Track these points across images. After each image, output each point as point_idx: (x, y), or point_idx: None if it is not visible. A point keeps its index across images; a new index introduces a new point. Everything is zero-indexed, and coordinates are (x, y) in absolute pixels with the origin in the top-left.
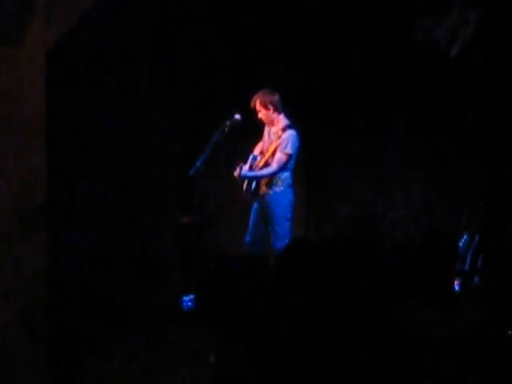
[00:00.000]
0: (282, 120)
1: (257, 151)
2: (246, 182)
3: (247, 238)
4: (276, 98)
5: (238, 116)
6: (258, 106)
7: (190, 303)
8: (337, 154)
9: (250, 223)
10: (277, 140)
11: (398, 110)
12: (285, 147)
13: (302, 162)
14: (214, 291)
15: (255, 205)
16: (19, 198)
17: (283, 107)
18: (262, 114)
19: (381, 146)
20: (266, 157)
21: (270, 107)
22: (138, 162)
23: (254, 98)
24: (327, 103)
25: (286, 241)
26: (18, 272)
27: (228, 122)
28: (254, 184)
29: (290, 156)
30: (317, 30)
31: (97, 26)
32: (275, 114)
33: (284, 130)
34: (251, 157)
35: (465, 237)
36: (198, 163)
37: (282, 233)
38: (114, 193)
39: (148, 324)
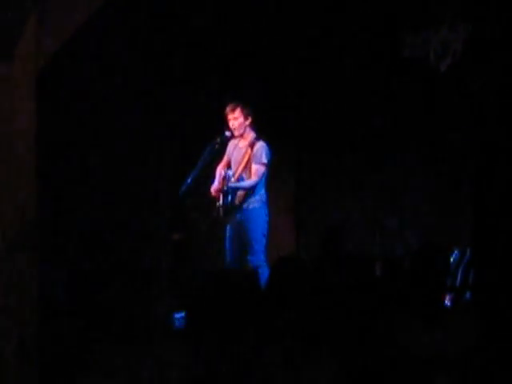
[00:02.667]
0: (250, 133)
1: (221, 167)
2: (221, 197)
3: (227, 257)
4: (252, 110)
5: (228, 133)
6: (238, 113)
7: (180, 320)
8: (327, 167)
9: (227, 242)
10: (248, 152)
11: (389, 124)
12: (260, 158)
13: (291, 175)
14: (204, 307)
15: (229, 225)
16: (9, 219)
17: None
18: (238, 122)
19: (371, 161)
20: (239, 170)
21: (249, 118)
22: (128, 179)
23: (233, 105)
24: (315, 119)
25: (262, 256)
26: (9, 288)
27: (218, 140)
28: (229, 198)
29: (266, 166)
30: (305, 42)
31: (91, 40)
32: (248, 127)
33: (253, 141)
34: (226, 174)
35: (456, 252)
36: (189, 181)
37: (259, 248)
38: (105, 210)
39: (140, 341)
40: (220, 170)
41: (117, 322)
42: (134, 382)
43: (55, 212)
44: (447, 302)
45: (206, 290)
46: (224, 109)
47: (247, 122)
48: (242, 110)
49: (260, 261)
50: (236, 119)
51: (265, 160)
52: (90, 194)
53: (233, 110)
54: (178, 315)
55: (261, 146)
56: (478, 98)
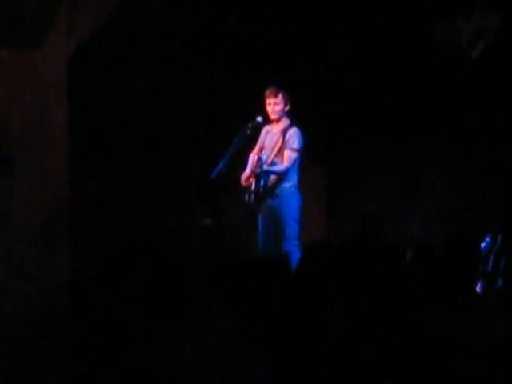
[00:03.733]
0: (284, 119)
1: (254, 153)
2: (253, 182)
3: (260, 244)
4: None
5: (259, 118)
6: (280, 99)
7: None
8: (360, 156)
9: (260, 228)
10: (280, 138)
11: (418, 114)
12: (292, 143)
13: (323, 161)
14: (236, 294)
15: (261, 211)
16: (41, 205)
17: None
18: (278, 107)
19: (403, 148)
20: (272, 156)
21: (288, 104)
22: (159, 164)
23: (275, 89)
24: (349, 105)
25: (296, 243)
26: (41, 277)
27: (250, 125)
28: (262, 183)
29: (298, 152)
30: (334, 32)
31: (120, 32)
32: (285, 113)
33: (287, 128)
34: (259, 157)
35: (487, 238)
36: (220, 166)
37: (292, 234)
38: (134, 196)
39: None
40: (253, 156)
41: (149, 307)
42: (172, 355)
43: (82, 199)
44: (478, 288)
45: (238, 277)
46: (259, 94)
47: (286, 109)
48: (284, 96)
49: (293, 246)
50: (277, 104)
51: (297, 146)
52: (117, 180)
53: (275, 95)
54: None
55: (294, 131)
56: (509, 86)
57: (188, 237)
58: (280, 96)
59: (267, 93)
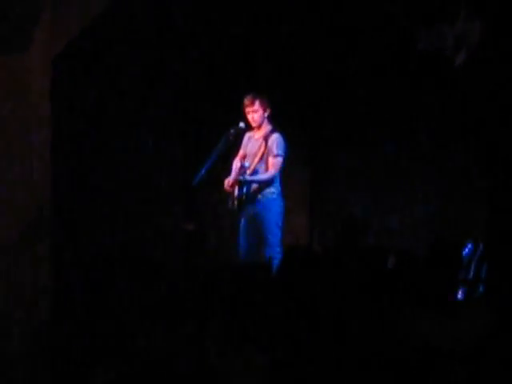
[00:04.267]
0: (267, 125)
1: (237, 160)
2: (236, 188)
3: (241, 249)
4: (269, 101)
5: (242, 124)
6: (257, 106)
7: None
8: (343, 162)
9: (241, 234)
10: (263, 144)
11: (402, 119)
12: (275, 150)
13: (305, 165)
14: (216, 299)
15: (243, 217)
16: (24, 209)
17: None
18: (257, 115)
19: (383, 155)
20: (255, 162)
21: (267, 110)
22: (142, 169)
23: (252, 97)
24: (330, 110)
25: (277, 249)
26: (22, 283)
27: (232, 131)
28: (244, 190)
29: (282, 158)
30: (317, 37)
31: (104, 34)
32: (266, 118)
33: (269, 134)
34: (242, 165)
35: (469, 245)
36: (202, 171)
37: (274, 241)
38: (117, 201)
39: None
40: (236, 163)
41: (128, 313)
42: (145, 372)
43: (67, 204)
44: (460, 295)
45: (220, 282)
46: (240, 100)
47: (266, 114)
48: (261, 102)
49: (275, 252)
50: (255, 112)
51: (281, 152)
52: (101, 185)
53: (252, 103)
54: None
55: (276, 137)
56: (492, 92)
57: (171, 241)
58: (257, 103)
59: (245, 101)
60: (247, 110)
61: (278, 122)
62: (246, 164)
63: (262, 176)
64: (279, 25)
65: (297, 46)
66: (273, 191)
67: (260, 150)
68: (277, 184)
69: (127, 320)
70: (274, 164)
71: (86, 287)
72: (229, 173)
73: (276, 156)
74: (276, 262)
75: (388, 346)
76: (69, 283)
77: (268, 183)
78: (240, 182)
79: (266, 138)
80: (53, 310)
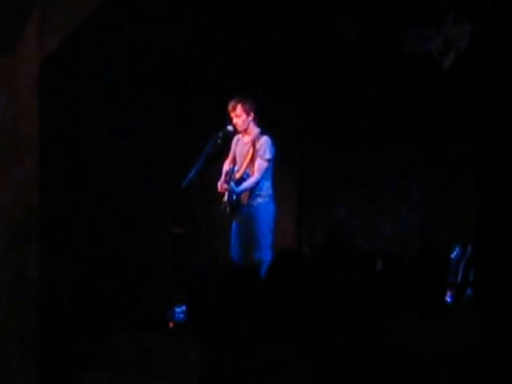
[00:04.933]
0: (254, 128)
1: (227, 164)
2: (226, 195)
3: (233, 252)
4: (254, 105)
5: (230, 127)
6: (239, 111)
7: (181, 314)
8: (331, 166)
9: (233, 237)
10: (251, 148)
11: (392, 123)
12: (263, 153)
13: (293, 175)
14: (206, 301)
15: (235, 220)
16: (12, 209)
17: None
18: (240, 120)
19: (373, 159)
20: (244, 166)
21: (251, 114)
22: (130, 172)
23: (234, 102)
24: (319, 113)
25: (269, 252)
26: (11, 283)
27: (220, 134)
28: (234, 197)
29: (269, 161)
30: (306, 36)
31: (93, 37)
32: (251, 122)
33: (257, 137)
34: (229, 169)
35: (457, 249)
36: (191, 174)
37: (265, 244)
38: (106, 204)
39: (139, 334)
40: (226, 166)
41: (118, 315)
42: (135, 376)
43: (56, 205)
44: (448, 298)
45: (208, 284)
46: (227, 103)
47: (250, 118)
48: (244, 107)
49: (266, 255)
50: (238, 117)
51: (268, 155)
52: (90, 187)
53: (234, 108)
54: (178, 309)
55: (264, 141)
56: (480, 95)
57: (160, 245)
58: (240, 108)
59: (229, 106)
60: (231, 114)
61: (266, 124)
62: (235, 169)
63: (247, 183)
64: (268, 28)
65: (285, 48)
66: (265, 194)
67: (249, 153)
68: (268, 187)
69: (115, 323)
70: (260, 167)
71: (74, 291)
72: (220, 176)
73: (263, 159)
74: (267, 265)
75: (375, 350)
76: (57, 287)
77: (258, 187)
78: (228, 191)
79: (254, 141)
80: (41, 313)
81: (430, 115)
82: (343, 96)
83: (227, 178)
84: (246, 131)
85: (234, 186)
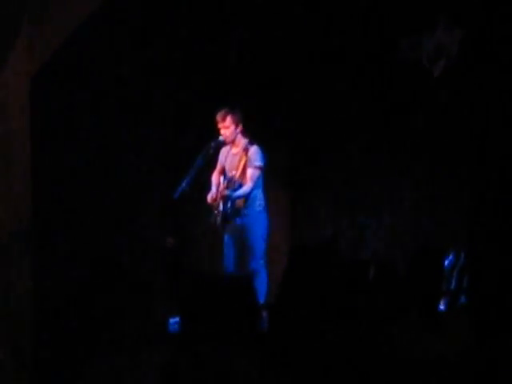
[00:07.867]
0: (241, 139)
1: (216, 174)
2: (221, 204)
3: (226, 262)
4: (242, 116)
5: (221, 138)
6: (229, 122)
7: (175, 326)
8: (323, 175)
9: (226, 247)
10: (243, 157)
11: (382, 131)
12: (255, 161)
13: (285, 178)
14: (200, 312)
15: (228, 230)
16: (4, 222)
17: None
18: (229, 131)
19: (365, 164)
20: (237, 176)
21: (240, 125)
22: (122, 184)
23: (223, 113)
24: (308, 122)
25: (261, 261)
26: (5, 297)
27: (212, 144)
28: (229, 205)
29: (261, 169)
30: (296, 45)
31: (81, 50)
32: (239, 134)
33: (247, 146)
34: (227, 178)
35: (450, 256)
36: (183, 186)
37: (258, 253)
38: (97, 216)
39: (133, 346)
40: (215, 178)
41: (112, 327)
42: None
43: (48, 212)
44: (442, 305)
45: (201, 295)
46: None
47: (238, 130)
48: (233, 118)
49: (259, 265)
50: (227, 128)
51: (260, 163)
52: (81, 198)
53: (223, 119)
54: (172, 320)
55: (255, 150)
56: (472, 101)
57: (151, 256)
58: (228, 119)
59: (217, 117)
60: (219, 125)
61: (257, 135)
62: (226, 178)
63: (242, 191)
64: (257, 38)
65: (278, 55)
66: (258, 204)
67: (241, 162)
68: (261, 197)
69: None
70: (252, 175)
71: (66, 300)
72: (209, 187)
73: (256, 167)
74: (261, 275)
75: (369, 358)
76: (50, 296)
77: (251, 196)
78: (225, 197)
79: (245, 150)
80: (34, 321)
81: (422, 122)
82: (334, 105)
83: (226, 186)
84: (233, 142)
85: (231, 192)
